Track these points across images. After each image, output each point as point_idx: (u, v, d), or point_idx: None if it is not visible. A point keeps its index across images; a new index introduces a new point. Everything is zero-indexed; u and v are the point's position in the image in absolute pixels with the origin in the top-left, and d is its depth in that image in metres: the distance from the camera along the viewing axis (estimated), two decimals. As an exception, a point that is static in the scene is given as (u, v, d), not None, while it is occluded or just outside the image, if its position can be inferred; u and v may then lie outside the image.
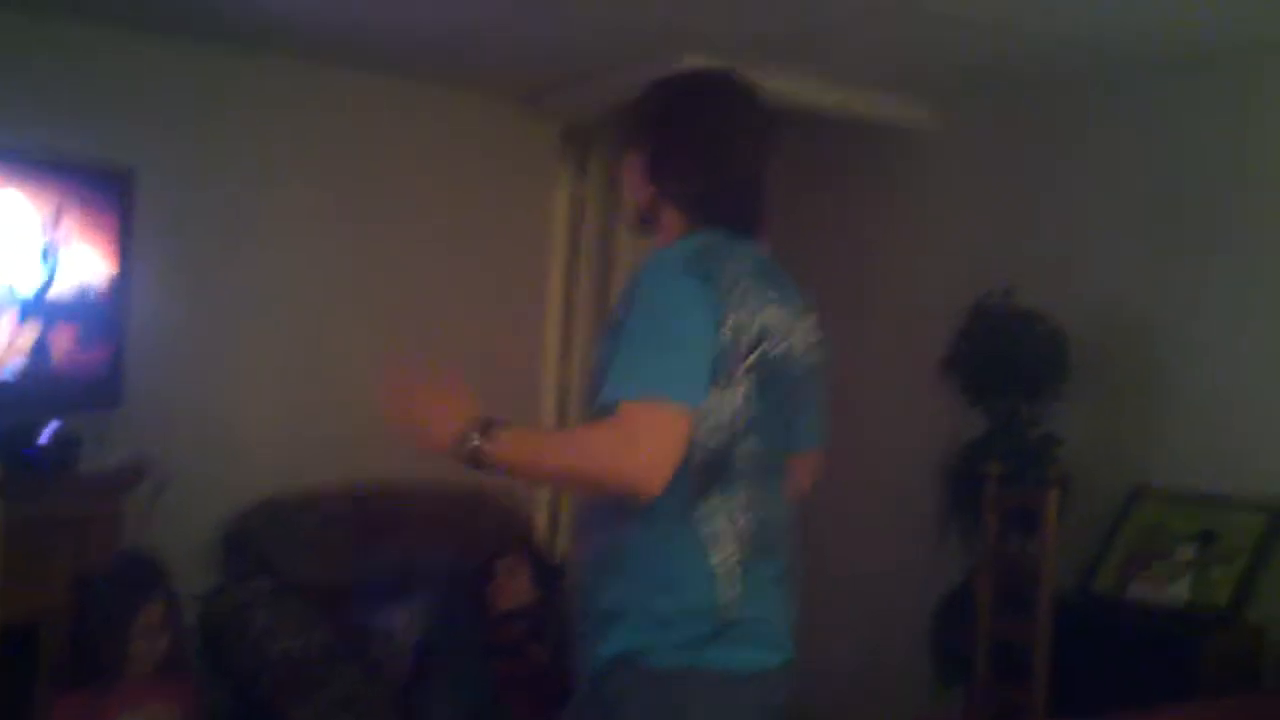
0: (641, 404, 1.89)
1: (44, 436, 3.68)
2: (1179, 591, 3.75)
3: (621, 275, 5.43)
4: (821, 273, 5.26)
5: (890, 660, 4.73)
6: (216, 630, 3.70)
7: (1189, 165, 4.14)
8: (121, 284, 3.93)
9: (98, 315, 3.89)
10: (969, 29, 3.93)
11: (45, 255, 3.78)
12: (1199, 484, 3.95)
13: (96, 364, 3.90)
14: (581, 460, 1.94)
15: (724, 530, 2.01)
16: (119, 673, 3.07)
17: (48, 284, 3.78)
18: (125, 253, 3.93)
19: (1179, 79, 4.15)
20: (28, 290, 3.73)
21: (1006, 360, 4.17)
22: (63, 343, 3.82)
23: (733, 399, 2.00)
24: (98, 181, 3.91)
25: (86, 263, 3.86)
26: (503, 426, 1.95)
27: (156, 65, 4.31)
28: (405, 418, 2.04)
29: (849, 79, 4.61)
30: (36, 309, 3.76)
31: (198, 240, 4.40)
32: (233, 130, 4.47)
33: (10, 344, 3.71)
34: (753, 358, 2.01)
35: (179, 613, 3.28)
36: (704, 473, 1.99)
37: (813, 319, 2.19)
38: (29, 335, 3.75)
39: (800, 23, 3.96)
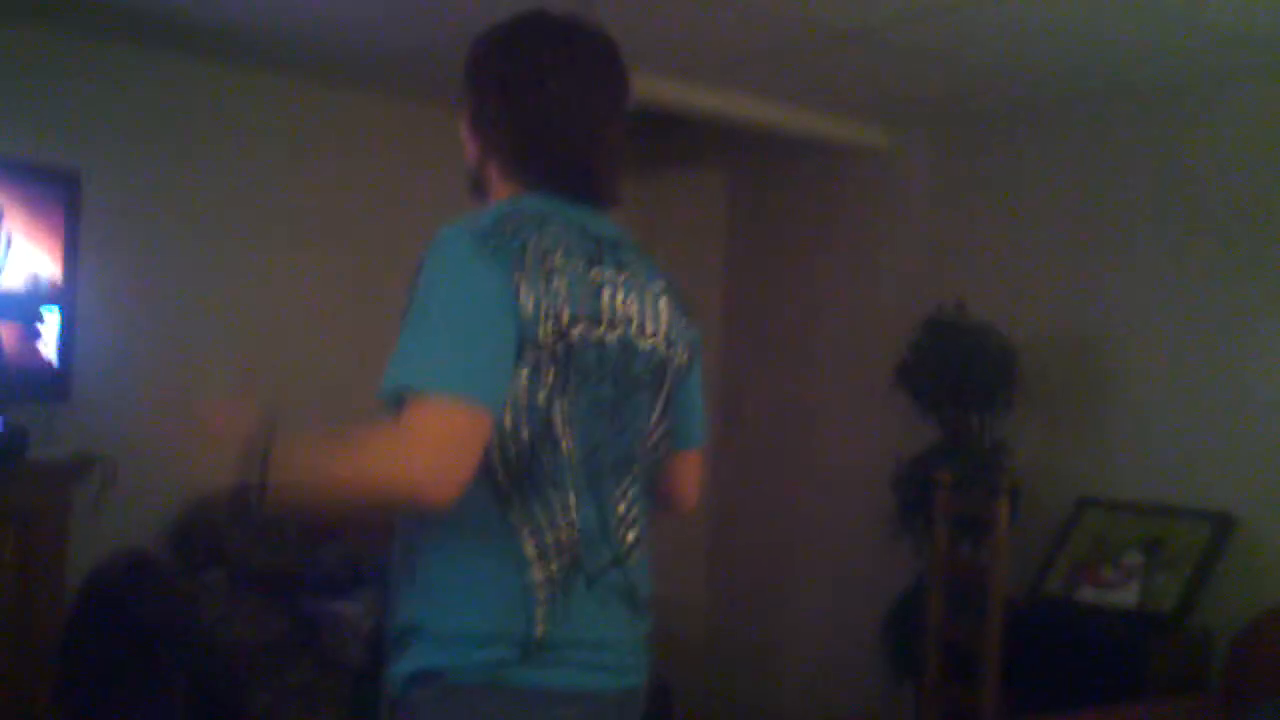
0: (420, 400, 1.61)
1: (-9, 427, 3.63)
2: (1126, 597, 3.80)
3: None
4: (777, 287, 5.37)
5: (844, 661, 4.76)
6: (168, 620, 3.64)
7: (1129, 188, 4.25)
8: (68, 280, 3.91)
9: (44, 311, 3.86)
10: (919, 58, 4.01)
11: (-10, 253, 3.75)
12: (1145, 494, 4.02)
13: (44, 358, 3.86)
14: (352, 470, 1.64)
15: (537, 542, 1.73)
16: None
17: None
18: (72, 251, 3.93)
19: (1115, 106, 4.27)
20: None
21: (958, 372, 4.23)
22: (9, 338, 3.80)
23: (539, 388, 1.71)
24: (44, 182, 3.91)
25: (33, 260, 3.85)
26: (284, 448, 1.68)
27: (105, 69, 4.28)
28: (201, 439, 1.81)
29: (801, 101, 4.67)
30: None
31: (146, 240, 4.37)
32: (182, 133, 4.45)
33: (-44, 339, 3.67)
34: (565, 341, 1.72)
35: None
36: (509, 475, 1.71)
37: (674, 307, 1.90)
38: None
39: (755, 46, 4.01)
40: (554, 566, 1.73)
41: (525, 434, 1.71)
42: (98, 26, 4.14)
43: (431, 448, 1.59)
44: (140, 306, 4.33)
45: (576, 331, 1.73)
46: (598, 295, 1.77)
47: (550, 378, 1.71)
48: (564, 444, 1.74)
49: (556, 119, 1.84)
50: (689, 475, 2.05)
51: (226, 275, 4.56)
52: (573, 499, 1.75)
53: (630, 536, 1.83)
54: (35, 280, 3.87)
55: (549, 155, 1.85)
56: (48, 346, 3.88)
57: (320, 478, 1.69)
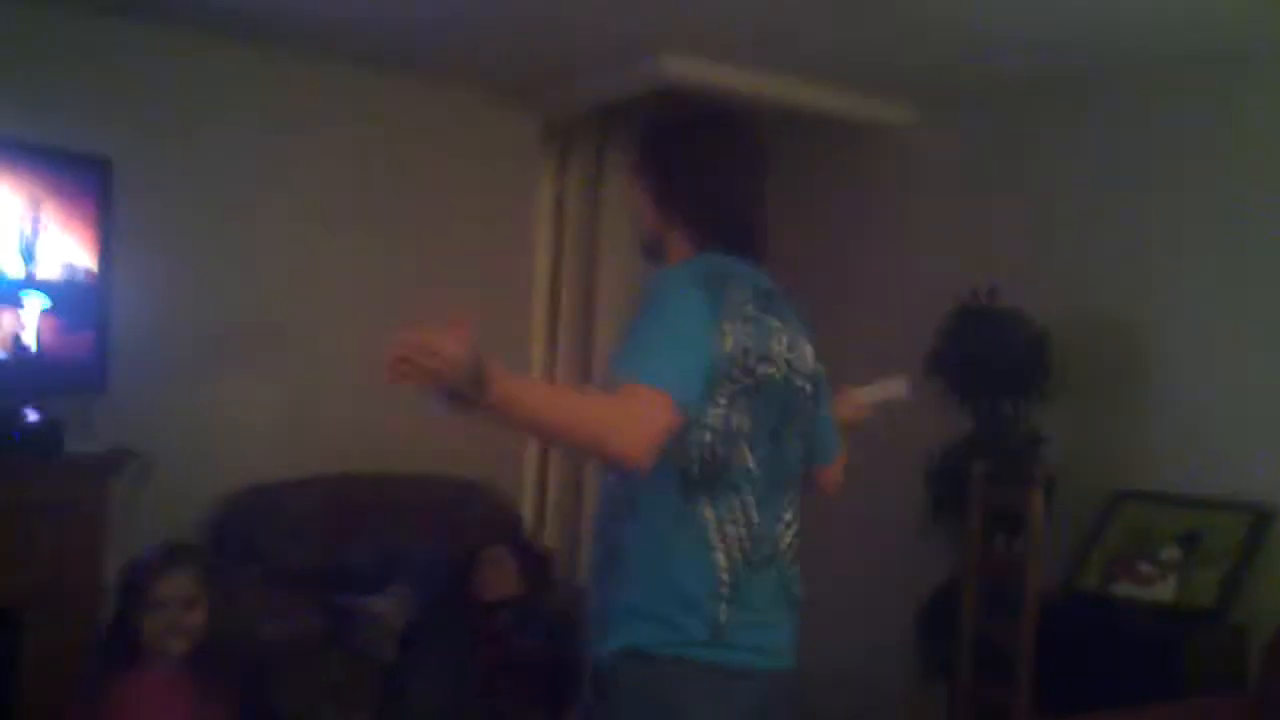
0: (640, 387, 1.97)
1: (28, 421, 3.64)
2: (1164, 592, 3.78)
3: (604, 268, 5.44)
4: (806, 273, 5.29)
5: (876, 658, 4.74)
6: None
7: (1170, 168, 4.17)
8: (103, 271, 3.93)
9: (80, 302, 3.89)
10: (948, 33, 3.96)
11: (25, 243, 3.75)
12: (1183, 486, 3.98)
13: (80, 350, 3.89)
14: (578, 421, 1.99)
15: (717, 536, 2.10)
16: (136, 650, 2.97)
17: (29, 271, 3.75)
18: (105, 240, 3.94)
19: (1157, 82, 4.19)
20: (9, 277, 3.72)
21: (990, 360, 4.18)
22: (46, 329, 3.81)
23: (733, 412, 2.10)
24: (76, 171, 3.92)
25: (67, 250, 3.86)
26: (504, 372, 1.92)
27: (137, 55, 4.28)
28: (405, 355, 1.89)
29: (831, 79, 4.63)
30: (18, 296, 3.75)
31: (180, 229, 4.38)
32: (214, 121, 4.45)
33: (-7, 330, 3.68)
34: (753, 376, 2.11)
35: (211, 590, 3.08)
36: (704, 478, 2.09)
37: (813, 350, 2.30)
38: (11, 321, 3.72)
39: (781, 24, 3.97)
40: (735, 558, 2.10)
41: (719, 450, 2.09)
42: (129, 11, 4.15)
43: (638, 421, 1.95)
44: (175, 296, 4.35)
45: (760, 369, 2.13)
46: (770, 338, 2.17)
47: (740, 405, 2.10)
48: (746, 459, 2.12)
49: (730, 197, 2.28)
50: (833, 478, 2.54)
51: (261, 263, 4.57)
52: (747, 503, 2.13)
53: (788, 539, 2.22)
54: (70, 270, 3.87)
55: (725, 224, 2.26)
56: (83, 338, 3.88)
57: (550, 411, 2.00)
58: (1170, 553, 3.84)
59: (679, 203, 2.27)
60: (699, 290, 2.08)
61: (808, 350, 2.28)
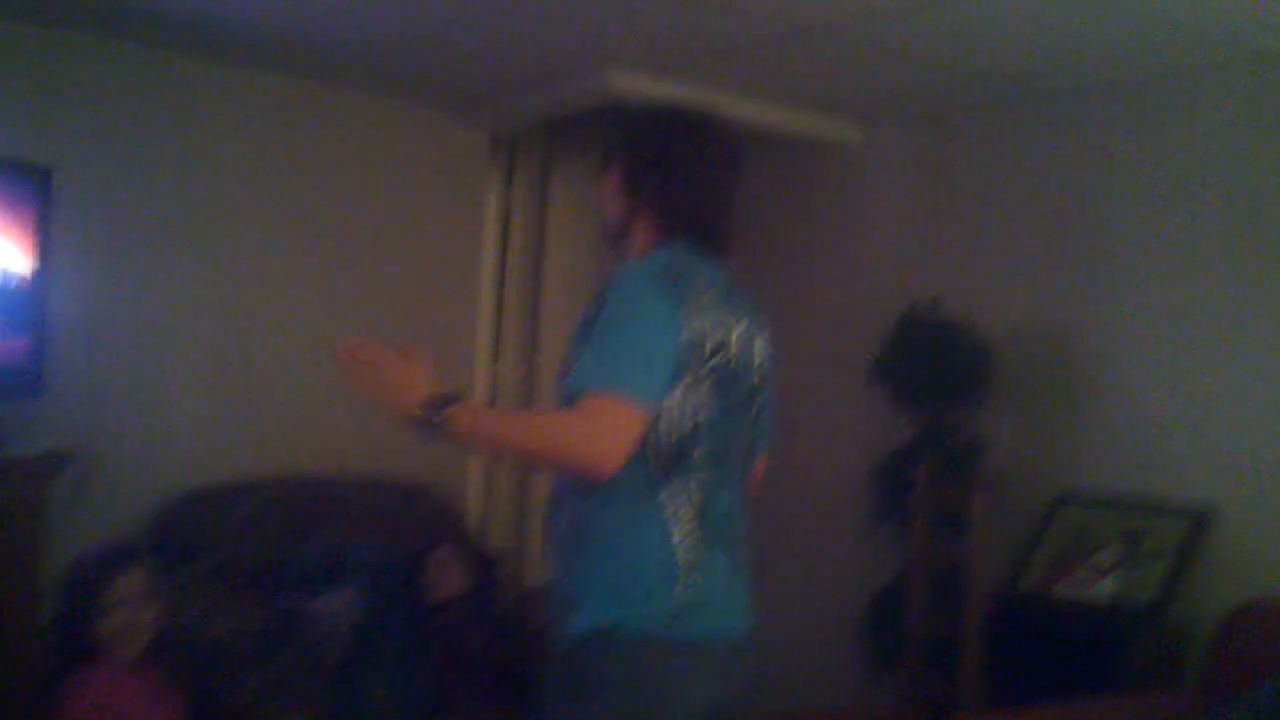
0: (602, 395, 2.04)
1: (-36, 424, 3.60)
2: (1104, 591, 3.82)
3: (550, 278, 5.45)
4: (756, 284, 5.33)
5: (824, 655, 4.76)
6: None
7: (1103, 183, 4.26)
8: (40, 276, 3.88)
9: (16, 307, 3.84)
10: (893, 54, 4.02)
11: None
12: (1123, 488, 4.04)
13: (16, 353, 3.83)
14: (543, 440, 2.08)
15: (682, 515, 2.16)
16: (91, 649, 2.94)
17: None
18: (44, 246, 3.89)
19: (1090, 101, 4.28)
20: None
21: (933, 368, 4.24)
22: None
23: (691, 399, 2.15)
24: (15, 178, 3.87)
25: (4, 256, 3.81)
26: (465, 400, 2.10)
27: (78, 63, 4.24)
28: (367, 381, 2.13)
29: (775, 97, 4.68)
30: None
31: (120, 235, 4.34)
32: (159, 130, 4.42)
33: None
34: (710, 364, 2.17)
35: (163, 587, 3.13)
36: (663, 462, 2.14)
37: (766, 334, 2.38)
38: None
39: (728, 41, 4.01)
40: (693, 538, 2.16)
41: (676, 434, 2.15)
42: (70, 20, 4.11)
43: (608, 434, 2.04)
44: (114, 301, 4.31)
45: (718, 357, 2.19)
46: (729, 329, 2.22)
47: (698, 392, 2.16)
48: (703, 443, 2.18)
49: (704, 195, 2.35)
50: (759, 470, 2.50)
51: (200, 270, 4.53)
52: (707, 485, 2.19)
53: (739, 518, 2.29)
54: (6, 276, 3.83)
55: (694, 221, 2.32)
56: (20, 343, 3.84)
57: (513, 434, 2.14)
58: (1110, 553, 3.89)
59: (651, 197, 2.33)
60: (659, 284, 2.14)
61: (760, 344, 2.34)
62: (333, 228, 4.82)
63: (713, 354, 2.18)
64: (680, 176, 2.33)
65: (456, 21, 3.95)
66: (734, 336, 2.24)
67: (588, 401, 2.05)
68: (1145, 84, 4.11)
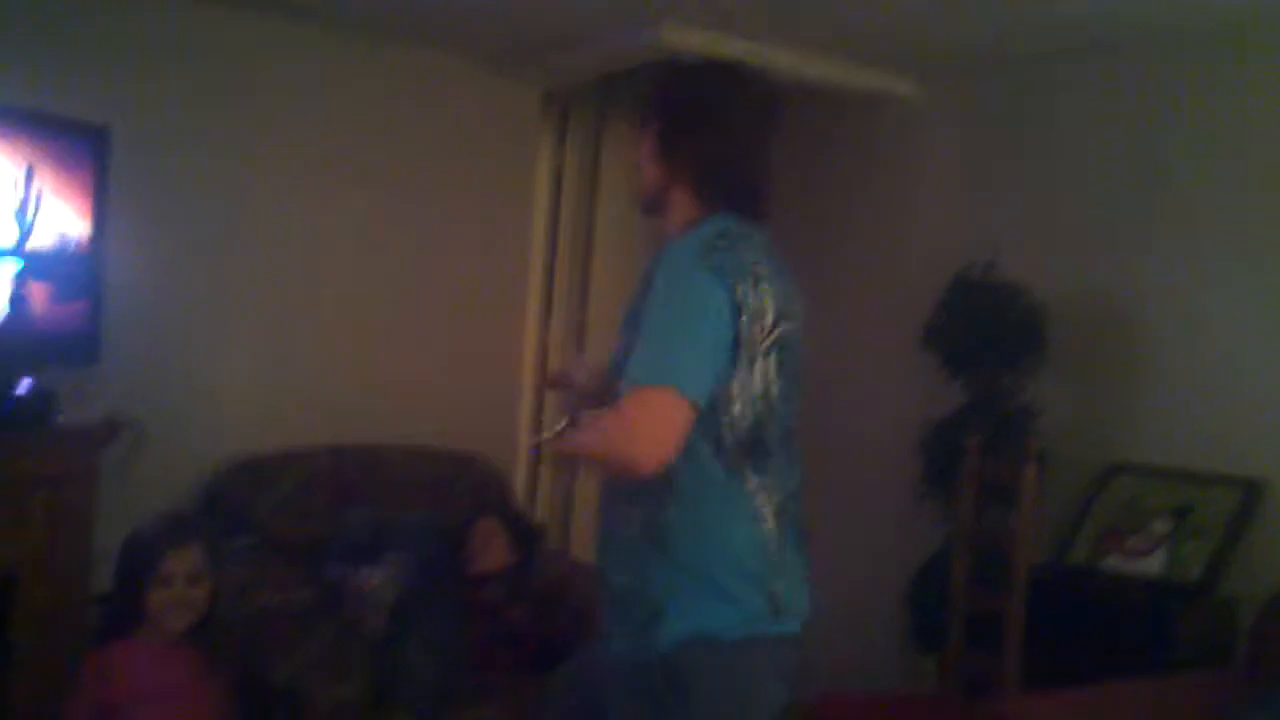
0: (646, 391, 1.99)
1: (20, 390, 3.65)
2: (1153, 565, 3.78)
3: (601, 236, 5.44)
4: (805, 244, 5.28)
5: (867, 628, 4.75)
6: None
7: (1167, 143, 4.15)
8: (97, 240, 3.89)
9: (74, 271, 3.85)
10: (948, 7, 3.93)
11: (19, 211, 3.74)
12: (1175, 459, 3.98)
13: (73, 320, 3.86)
14: (595, 444, 2.08)
15: (764, 503, 2.12)
16: (139, 622, 3.00)
17: (23, 240, 3.74)
18: (101, 210, 3.90)
19: (1157, 58, 4.16)
20: (3, 245, 3.69)
21: (986, 333, 4.18)
22: (39, 298, 3.79)
23: (759, 377, 2.10)
24: (72, 139, 3.86)
25: (62, 219, 3.83)
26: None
27: (134, 22, 4.25)
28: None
29: (831, 51, 4.61)
30: (12, 264, 3.72)
31: (176, 198, 4.36)
32: (211, 89, 4.42)
33: (-14, 298, 3.68)
34: (772, 337, 2.11)
35: (219, 565, 3.17)
36: (740, 449, 2.10)
37: (801, 297, 2.28)
38: (4, 290, 3.71)
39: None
40: (778, 524, 2.13)
41: (750, 417, 2.09)
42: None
43: (650, 431, 1.98)
44: (170, 266, 4.33)
45: (778, 331, 2.12)
46: (784, 300, 2.15)
47: (765, 368, 2.10)
48: (777, 419, 2.14)
49: (741, 157, 2.24)
50: None
51: (258, 233, 4.55)
52: (782, 464, 2.16)
53: (802, 496, 2.24)
54: (64, 239, 3.84)
55: (733, 185, 2.23)
56: (77, 308, 3.87)
57: (581, 448, 2.20)
58: (1160, 526, 3.84)
59: (687, 159, 2.24)
60: (709, 264, 2.06)
61: (799, 305, 2.26)
62: (386, 186, 4.83)
63: (774, 328, 2.11)
64: (717, 136, 2.23)
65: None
66: (784, 308, 2.15)
67: (631, 398, 2.01)
68: (1219, 34, 3.97)
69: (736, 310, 2.05)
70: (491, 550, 4.00)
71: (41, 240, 3.78)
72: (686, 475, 2.06)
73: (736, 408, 2.08)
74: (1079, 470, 4.12)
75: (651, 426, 1.98)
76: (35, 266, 3.76)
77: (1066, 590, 3.85)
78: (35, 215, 3.76)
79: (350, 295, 4.70)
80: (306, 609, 3.70)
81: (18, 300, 3.73)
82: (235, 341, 4.48)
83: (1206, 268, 4.01)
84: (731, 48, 4.41)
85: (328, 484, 4.22)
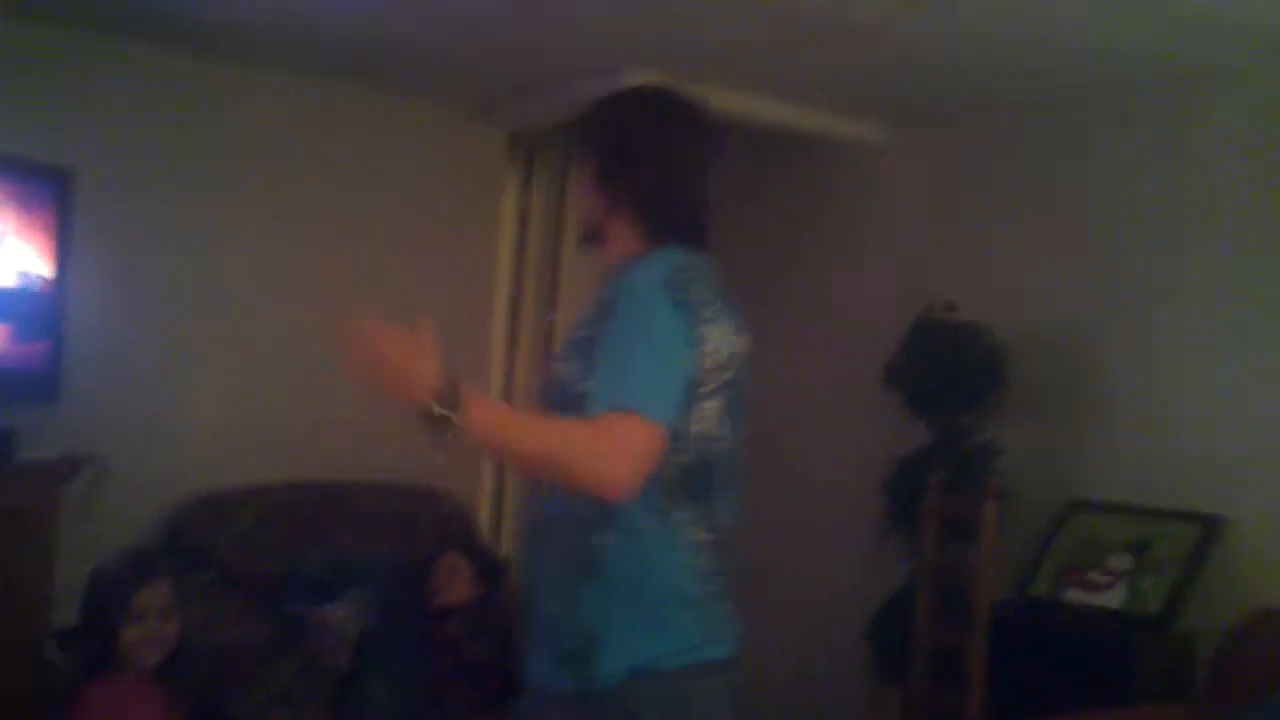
0: (627, 415, 1.90)
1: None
2: (1112, 599, 3.80)
3: (567, 281, 5.45)
4: (767, 286, 5.35)
5: (830, 664, 4.76)
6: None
7: (1123, 186, 4.23)
8: (59, 281, 3.92)
9: (35, 311, 3.87)
10: (915, 55, 4.00)
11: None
12: (1132, 496, 4.01)
13: (34, 359, 3.87)
14: (562, 452, 1.90)
15: (700, 534, 2.08)
16: (112, 658, 2.98)
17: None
18: (63, 251, 3.93)
19: (1113, 103, 4.24)
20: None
21: (947, 373, 4.22)
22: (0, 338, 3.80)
23: (708, 415, 2.06)
24: (36, 182, 3.90)
25: (24, 260, 3.85)
26: (480, 394, 1.89)
27: (98, 66, 4.28)
28: (372, 367, 1.88)
29: (794, 96, 4.67)
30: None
31: (140, 240, 4.38)
32: (177, 134, 4.45)
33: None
34: (723, 376, 2.07)
35: (190, 603, 3.17)
36: (682, 483, 2.04)
37: (746, 333, 2.22)
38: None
39: (747, 42, 4.00)
40: (714, 555, 2.09)
41: (696, 452, 2.05)
42: (90, 22, 4.14)
43: (628, 456, 1.89)
44: (132, 306, 4.34)
45: (731, 368, 2.08)
46: (733, 337, 2.10)
47: (712, 406, 2.05)
48: (721, 456, 2.10)
49: (681, 187, 2.19)
50: None
51: (220, 274, 4.57)
52: (723, 498, 2.12)
53: (734, 528, 2.17)
54: (26, 279, 3.86)
55: (674, 215, 2.16)
56: (38, 347, 3.88)
57: (530, 435, 1.93)
58: (1120, 561, 3.87)
59: (626, 189, 2.17)
60: (671, 295, 2.00)
61: (742, 341, 2.18)
62: (351, 229, 4.85)
63: (723, 366, 2.07)
64: (655, 166, 2.16)
65: (475, 20, 3.96)
66: (734, 346, 2.11)
67: (612, 421, 1.90)
68: (1167, 84, 4.05)
69: (695, 343, 2.01)
70: (455, 584, 3.99)
71: (2, 280, 3.79)
72: (629, 504, 1.97)
73: (684, 442, 2.02)
74: (1039, 507, 4.15)
75: (629, 452, 1.89)
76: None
77: (1028, 624, 3.88)
78: (-3, 256, 3.77)
79: (313, 333, 4.68)
80: (267, 644, 3.68)
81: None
82: (197, 379, 4.48)
83: (1166, 308, 4.06)
84: (694, 93, 4.45)
85: (289, 519, 4.22)
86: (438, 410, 1.82)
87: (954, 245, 4.71)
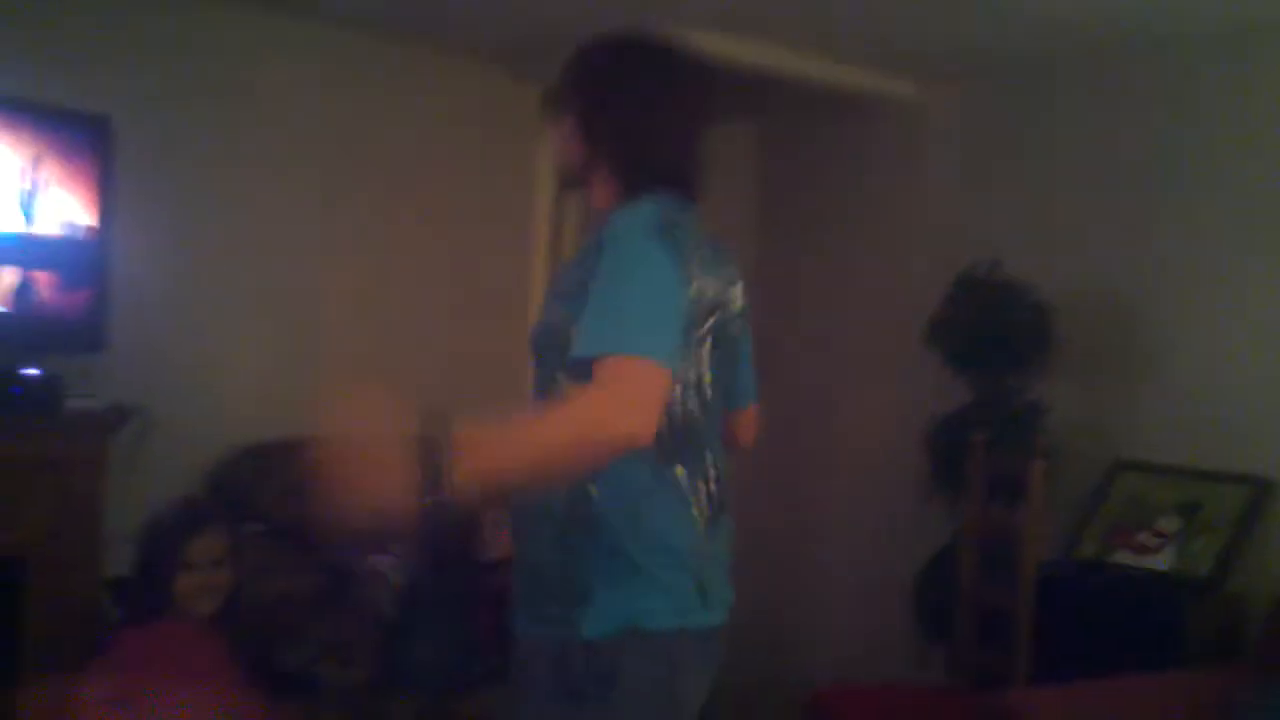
0: (622, 361, 1.80)
1: (27, 378, 3.64)
2: (1161, 561, 3.78)
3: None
4: (809, 243, 5.33)
5: (876, 624, 4.76)
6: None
7: (1173, 141, 4.18)
8: (103, 229, 3.90)
9: (79, 260, 3.86)
10: (947, 8, 3.94)
11: (24, 201, 3.74)
12: (1182, 457, 3.99)
13: (79, 308, 3.86)
14: (579, 432, 1.77)
15: (692, 491, 2.01)
16: (167, 606, 3.00)
17: (28, 229, 3.74)
18: (105, 199, 3.91)
19: (1163, 56, 4.18)
20: (8, 235, 3.70)
21: (991, 331, 4.19)
22: (45, 287, 3.80)
23: (698, 362, 2.01)
24: (75, 128, 3.87)
25: (67, 209, 3.84)
26: (461, 444, 1.73)
27: (139, 14, 4.25)
28: (346, 495, 1.71)
29: (836, 52, 4.62)
30: (17, 253, 3.73)
31: (180, 187, 4.36)
32: (217, 82, 4.41)
33: (-8, 287, 3.68)
34: (709, 323, 2.01)
35: (243, 553, 3.17)
36: (672, 435, 1.96)
37: (740, 282, 2.17)
38: (10, 279, 3.71)
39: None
40: (705, 512, 2.03)
41: (685, 402, 1.99)
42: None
43: (639, 401, 1.79)
44: (176, 254, 4.33)
45: (717, 315, 2.03)
46: (722, 284, 2.06)
47: (699, 356, 2.01)
48: (712, 405, 2.05)
49: (670, 133, 2.09)
50: (750, 426, 2.36)
51: (262, 222, 4.55)
52: (713, 450, 2.07)
53: (729, 478, 2.11)
54: (70, 228, 3.85)
55: (662, 164, 2.08)
56: (82, 296, 3.88)
57: (532, 453, 1.78)
58: (1169, 522, 3.85)
59: (608, 137, 2.10)
60: (661, 240, 1.91)
61: (738, 292, 2.14)
62: (388, 180, 4.84)
63: (710, 313, 2.01)
64: (638, 113, 2.08)
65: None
66: (721, 292, 2.05)
67: (607, 369, 1.79)
68: (1217, 37, 4.00)
69: (686, 287, 1.93)
70: (500, 538, 3.98)
71: (47, 229, 3.78)
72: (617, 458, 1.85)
73: (676, 392, 1.95)
74: (1086, 468, 4.13)
75: (639, 397, 1.78)
76: (41, 255, 3.76)
77: (1075, 585, 3.86)
78: (40, 205, 3.76)
79: (353, 285, 4.70)
80: (316, 595, 3.69)
81: (23, 289, 3.73)
82: (240, 329, 4.48)
83: (1213, 264, 4.03)
84: (728, 48, 4.42)
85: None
86: (428, 500, 1.70)
87: (998, 202, 4.68)
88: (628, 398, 1.78)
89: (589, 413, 1.77)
